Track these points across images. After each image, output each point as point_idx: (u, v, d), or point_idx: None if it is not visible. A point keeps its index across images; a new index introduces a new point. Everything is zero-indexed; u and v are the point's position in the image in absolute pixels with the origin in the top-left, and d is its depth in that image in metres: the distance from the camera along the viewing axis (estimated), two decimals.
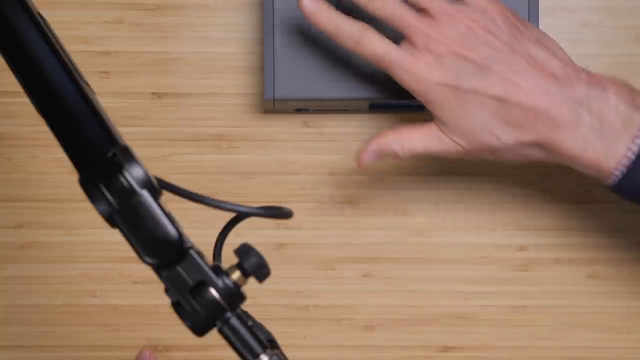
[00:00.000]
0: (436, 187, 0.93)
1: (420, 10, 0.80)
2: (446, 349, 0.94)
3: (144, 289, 0.93)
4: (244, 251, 0.65)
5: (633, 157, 0.77)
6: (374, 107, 0.91)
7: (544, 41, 0.81)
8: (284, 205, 0.66)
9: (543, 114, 0.78)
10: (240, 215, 0.65)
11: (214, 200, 0.64)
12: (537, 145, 0.80)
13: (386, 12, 0.81)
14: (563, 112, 0.78)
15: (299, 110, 0.92)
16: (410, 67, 0.80)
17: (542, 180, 0.93)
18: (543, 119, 0.78)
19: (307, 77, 0.86)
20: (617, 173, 0.78)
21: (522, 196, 0.94)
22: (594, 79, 0.79)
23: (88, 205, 0.62)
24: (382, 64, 0.81)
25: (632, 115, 0.78)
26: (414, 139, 0.82)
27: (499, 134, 0.79)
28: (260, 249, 0.65)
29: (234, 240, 0.67)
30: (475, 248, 0.94)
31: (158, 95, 0.93)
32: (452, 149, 0.81)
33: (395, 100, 0.87)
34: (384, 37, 0.81)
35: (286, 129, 0.93)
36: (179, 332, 0.69)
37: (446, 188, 0.93)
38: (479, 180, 0.93)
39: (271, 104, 0.88)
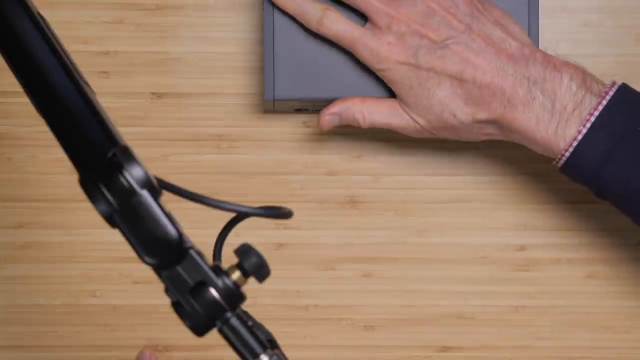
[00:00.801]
0: (436, 187, 0.93)
1: None
2: (445, 349, 0.94)
3: (144, 289, 0.93)
4: (244, 251, 0.65)
5: (582, 138, 0.80)
6: None
7: (503, 21, 0.84)
8: (284, 205, 0.66)
9: (498, 92, 0.81)
10: (240, 215, 0.65)
11: (214, 200, 0.64)
12: (493, 123, 0.83)
13: None
14: (517, 90, 0.81)
15: (299, 110, 0.92)
16: (371, 45, 0.83)
17: (542, 180, 0.94)
18: (498, 97, 0.81)
19: (307, 77, 0.86)
20: (567, 154, 0.81)
21: (522, 196, 0.94)
22: (549, 60, 0.82)
23: (88, 205, 0.62)
24: (344, 43, 0.84)
25: (584, 97, 0.81)
26: (377, 112, 0.85)
27: (456, 113, 0.82)
28: (260, 249, 0.65)
29: (234, 240, 0.67)
30: (475, 248, 0.94)
31: (158, 95, 0.93)
32: (411, 126, 0.85)
33: None
34: (346, 17, 0.84)
35: (286, 129, 0.93)
36: (179, 332, 0.69)
37: (446, 188, 0.93)
38: (478, 180, 0.94)
39: (271, 104, 0.88)
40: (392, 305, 0.94)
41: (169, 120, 0.93)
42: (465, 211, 0.94)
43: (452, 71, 0.82)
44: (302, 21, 0.85)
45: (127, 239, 0.62)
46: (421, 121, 0.84)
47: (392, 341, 0.94)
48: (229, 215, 0.66)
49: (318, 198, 0.93)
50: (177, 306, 0.64)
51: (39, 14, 0.65)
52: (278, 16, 0.86)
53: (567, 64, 0.82)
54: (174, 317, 0.64)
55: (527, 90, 0.81)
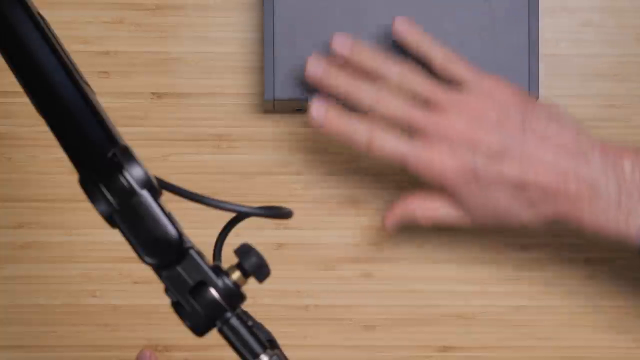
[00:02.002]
0: None
1: (426, 104, 0.80)
2: (446, 349, 0.94)
3: (144, 289, 0.93)
4: (244, 251, 0.65)
5: None
6: None
7: (554, 115, 0.81)
8: (284, 205, 0.66)
9: (561, 191, 0.79)
10: (240, 215, 0.65)
11: (214, 200, 0.64)
12: (558, 220, 0.80)
13: (393, 113, 0.81)
14: (581, 187, 0.78)
15: (299, 110, 0.92)
16: (424, 158, 0.80)
17: None
18: (562, 197, 0.79)
19: None
20: None
21: None
22: (607, 151, 0.79)
23: (88, 205, 0.62)
24: (396, 160, 0.81)
25: None
26: (435, 209, 0.83)
27: (519, 215, 0.80)
28: (260, 249, 0.65)
29: (234, 240, 0.67)
30: (475, 248, 0.94)
31: (158, 95, 0.93)
32: (469, 222, 0.82)
33: None
34: (394, 135, 0.81)
35: (286, 129, 0.93)
36: (179, 332, 0.69)
37: None
38: None
39: (271, 104, 0.88)
40: (392, 305, 0.94)
41: (169, 120, 0.93)
42: None
43: (512, 176, 0.79)
44: (351, 144, 0.82)
45: (127, 239, 0.62)
46: (482, 222, 0.82)
47: (392, 341, 0.94)
48: (229, 215, 0.66)
49: (318, 198, 0.93)
50: (177, 306, 0.64)
51: (39, 14, 0.65)
52: (278, 16, 0.86)
53: (626, 150, 0.79)
54: (174, 317, 0.64)
55: (589, 186, 0.78)
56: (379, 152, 0.81)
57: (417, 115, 0.80)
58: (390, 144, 0.81)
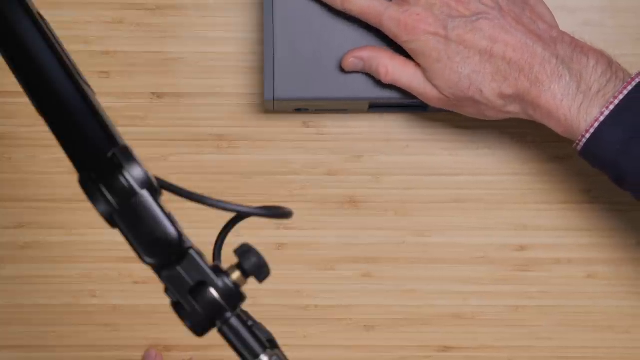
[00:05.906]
0: (436, 187, 0.93)
1: None
2: (445, 349, 0.94)
3: (144, 289, 0.93)
4: (244, 251, 0.65)
5: (603, 120, 0.80)
6: (374, 107, 0.91)
7: (533, 3, 0.84)
8: (284, 205, 0.66)
9: (527, 68, 0.81)
10: (241, 215, 0.65)
11: (214, 200, 0.64)
12: (518, 99, 0.82)
13: None
14: (545, 67, 0.81)
15: (299, 110, 0.92)
16: (399, 17, 0.82)
17: (542, 180, 0.94)
18: (526, 73, 0.81)
19: (307, 77, 0.86)
20: (587, 135, 0.80)
21: (522, 196, 0.94)
22: (576, 44, 0.82)
23: (88, 205, 0.62)
24: (370, 17, 0.84)
25: (609, 81, 0.80)
26: (402, 71, 0.85)
27: (482, 88, 0.82)
28: (260, 249, 0.65)
29: (234, 240, 0.67)
30: (475, 248, 0.94)
31: (158, 95, 0.93)
32: (435, 95, 0.84)
33: (395, 101, 0.87)
34: None
35: (286, 129, 0.93)
36: (179, 332, 0.69)
37: (446, 188, 0.93)
38: (478, 180, 0.94)
39: (271, 104, 0.88)
40: (392, 305, 0.94)
41: (169, 120, 0.93)
42: (465, 211, 0.94)
43: (482, 46, 0.81)
44: (327, 1, 0.85)
45: (127, 239, 0.62)
46: (445, 92, 0.83)
47: (392, 341, 0.94)
48: (229, 215, 0.66)
49: (318, 198, 0.93)
50: (177, 306, 0.64)
51: (39, 14, 0.65)
52: (278, 16, 0.86)
53: (593, 49, 0.82)
54: (174, 317, 0.64)
55: (554, 67, 0.81)
56: (353, 7, 0.84)
57: None
58: (366, 0, 0.83)
